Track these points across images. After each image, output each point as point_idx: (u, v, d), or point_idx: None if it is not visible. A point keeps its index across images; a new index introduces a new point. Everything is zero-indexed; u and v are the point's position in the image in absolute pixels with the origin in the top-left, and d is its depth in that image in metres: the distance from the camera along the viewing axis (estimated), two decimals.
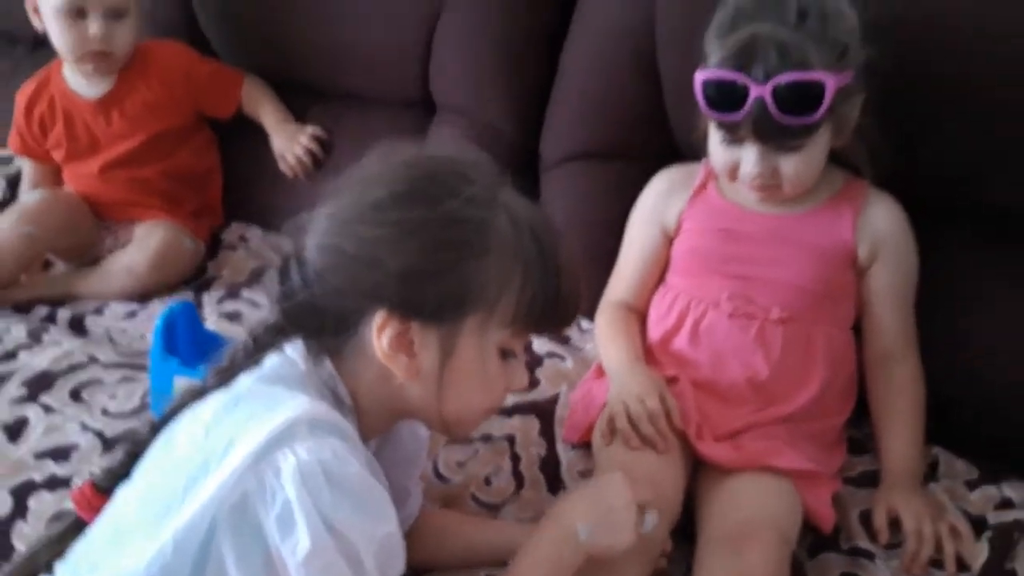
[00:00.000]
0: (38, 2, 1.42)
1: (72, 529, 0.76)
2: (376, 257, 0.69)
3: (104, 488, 0.75)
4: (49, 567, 0.74)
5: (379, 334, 0.70)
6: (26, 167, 1.57)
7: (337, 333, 0.73)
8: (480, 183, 0.71)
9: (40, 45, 1.81)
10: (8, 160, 1.75)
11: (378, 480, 0.69)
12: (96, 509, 0.74)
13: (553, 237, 0.74)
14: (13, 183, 1.68)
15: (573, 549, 0.77)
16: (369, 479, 0.67)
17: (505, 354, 0.75)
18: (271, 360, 0.73)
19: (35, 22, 1.45)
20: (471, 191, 0.70)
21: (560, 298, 0.74)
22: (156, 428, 0.75)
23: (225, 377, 0.74)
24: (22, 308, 1.39)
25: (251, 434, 0.65)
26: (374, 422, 0.76)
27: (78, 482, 0.99)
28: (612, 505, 0.79)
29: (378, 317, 0.69)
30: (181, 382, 1.04)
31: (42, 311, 1.39)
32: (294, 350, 0.73)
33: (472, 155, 0.75)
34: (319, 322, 0.72)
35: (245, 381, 0.72)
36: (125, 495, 0.73)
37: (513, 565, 0.78)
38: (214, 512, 0.64)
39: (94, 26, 1.38)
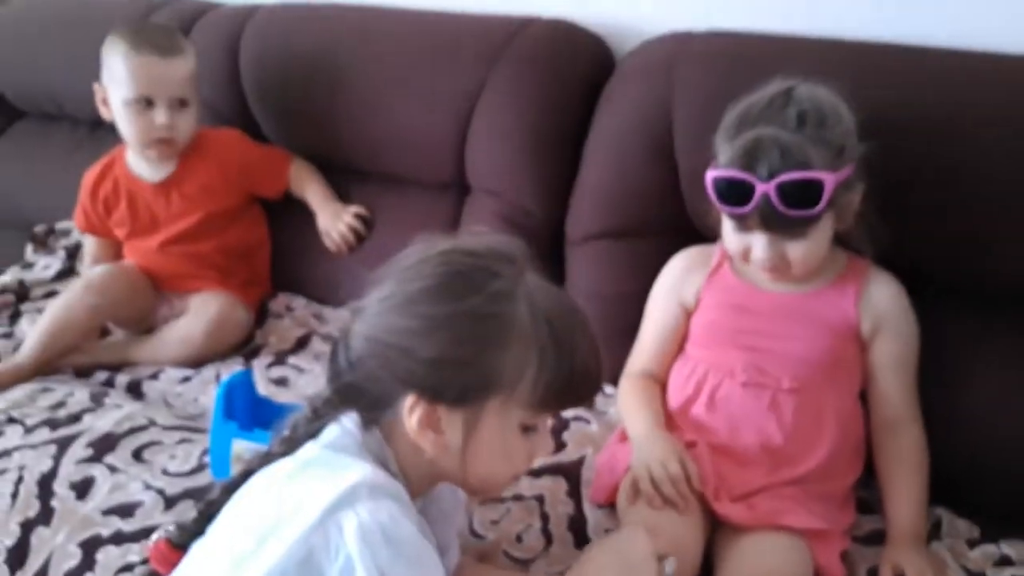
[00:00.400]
0: (108, 95, 1.53)
1: None
2: (408, 346, 0.76)
3: (179, 544, 0.83)
4: None
5: (409, 414, 0.77)
6: (88, 243, 1.68)
7: (379, 409, 0.80)
8: (505, 277, 0.77)
9: (98, 126, 1.96)
10: (67, 232, 1.88)
11: (427, 538, 0.76)
12: (172, 564, 0.82)
13: (570, 323, 0.80)
14: (72, 253, 1.81)
15: None
16: (421, 539, 0.74)
17: (527, 428, 0.81)
18: (332, 430, 0.81)
19: (103, 112, 1.56)
20: (495, 286, 0.76)
21: (574, 379, 0.80)
22: (228, 490, 0.82)
23: (291, 445, 0.82)
24: (82, 373, 1.48)
25: (319, 496, 0.73)
26: (416, 485, 0.82)
27: (145, 539, 1.06)
28: (634, 558, 0.85)
29: (408, 399, 0.77)
30: (239, 444, 1.14)
31: (101, 376, 1.47)
32: (350, 421, 0.81)
33: (501, 246, 0.81)
34: (363, 400, 0.80)
35: (312, 448, 0.80)
36: (201, 552, 0.80)
37: None
38: (284, 566, 0.71)
39: (161, 116, 1.49)
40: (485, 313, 0.76)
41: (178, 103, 1.51)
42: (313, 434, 0.82)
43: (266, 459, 0.83)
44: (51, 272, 1.75)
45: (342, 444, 0.80)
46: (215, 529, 0.81)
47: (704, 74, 1.26)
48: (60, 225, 1.90)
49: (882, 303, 1.10)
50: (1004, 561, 1.03)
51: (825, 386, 1.08)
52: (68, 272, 1.77)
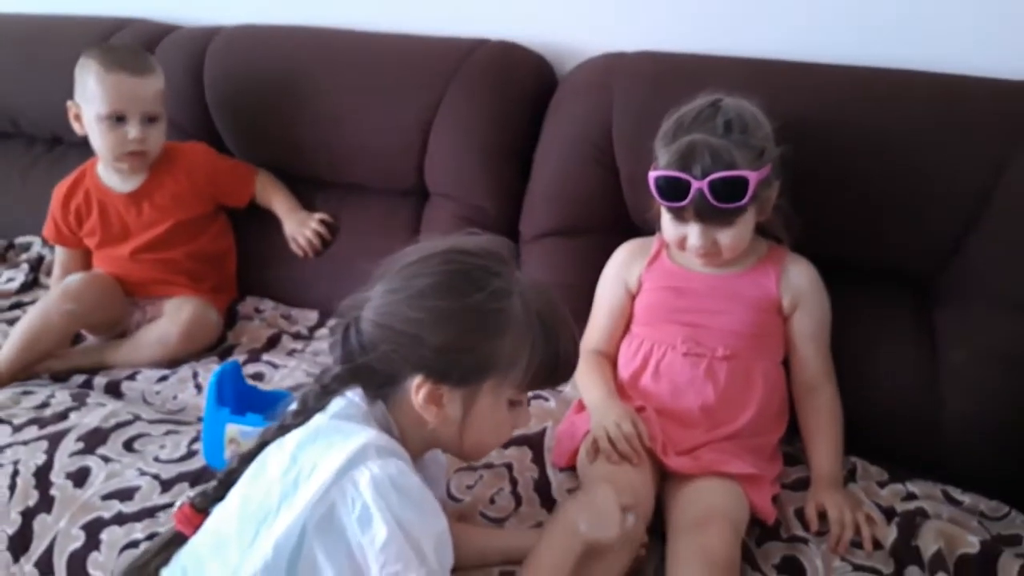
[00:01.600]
0: (81, 111, 1.59)
1: (174, 541, 0.92)
2: (418, 335, 0.86)
3: (201, 508, 0.91)
4: (156, 571, 0.90)
5: (416, 392, 0.87)
6: (58, 253, 1.73)
7: (387, 386, 0.90)
8: (502, 275, 0.88)
9: (55, 143, 2.01)
10: (27, 246, 1.92)
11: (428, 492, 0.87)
12: (195, 525, 0.90)
13: (555, 316, 0.90)
14: (35, 266, 1.84)
15: (574, 540, 0.96)
16: (425, 489, 0.85)
17: (513, 403, 0.93)
18: (339, 402, 0.90)
19: (76, 128, 1.61)
20: (495, 284, 0.86)
21: (559, 363, 0.91)
22: (245, 460, 0.91)
23: (303, 417, 0.90)
24: (58, 378, 1.51)
25: (332, 457, 0.83)
26: (413, 450, 0.92)
27: (148, 518, 1.14)
28: (603, 507, 0.98)
29: (416, 379, 0.87)
30: (231, 428, 1.22)
31: (79, 379, 1.51)
32: (355, 395, 0.91)
33: (494, 246, 0.91)
34: (373, 378, 0.90)
35: (321, 419, 0.89)
36: (223, 512, 0.89)
37: (531, 554, 0.96)
38: (305, 519, 0.81)
39: (133, 130, 1.56)
40: (487, 308, 0.86)
41: (148, 117, 1.58)
42: (322, 407, 0.91)
43: (280, 431, 0.91)
44: (15, 284, 1.80)
45: (349, 414, 0.89)
46: (234, 494, 0.89)
47: (637, 89, 1.40)
48: (20, 240, 1.95)
49: (799, 282, 1.25)
50: (910, 496, 1.17)
51: (753, 354, 1.22)
52: (32, 284, 1.82)
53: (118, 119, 1.56)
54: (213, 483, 0.92)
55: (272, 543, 0.81)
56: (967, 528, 1.10)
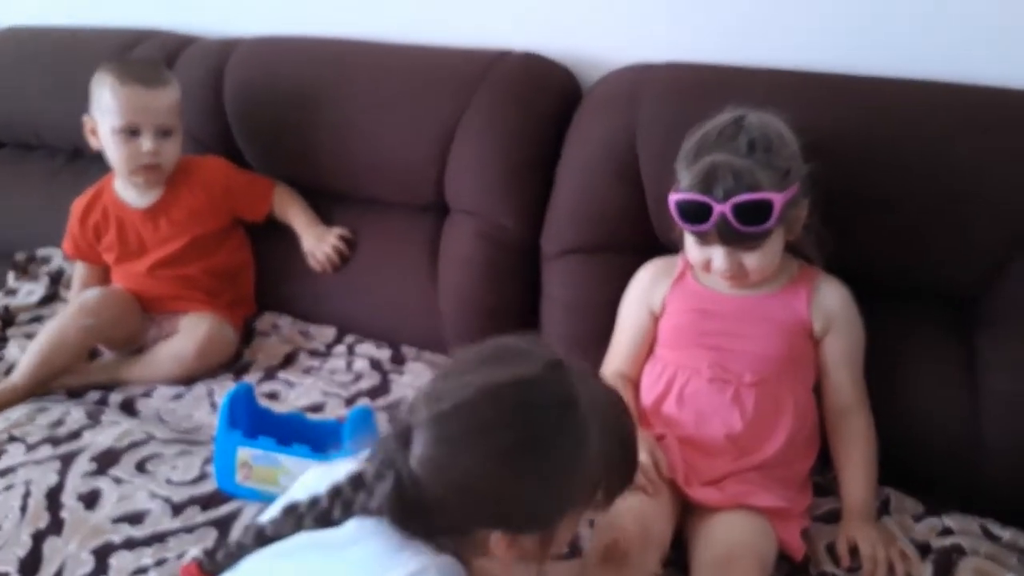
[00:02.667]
0: (96, 125, 1.59)
1: None
2: (496, 495, 0.76)
3: (208, 570, 0.86)
4: None
5: (495, 546, 0.79)
6: (77, 268, 1.73)
7: (445, 535, 0.79)
8: (577, 408, 0.77)
9: (76, 156, 2.02)
10: (48, 259, 1.93)
11: None
12: None
13: (628, 427, 0.84)
14: (55, 279, 1.85)
15: None
16: None
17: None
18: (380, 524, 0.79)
19: (92, 142, 1.61)
20: (572, 424, 0.77)
21: (631, 473, 0.86)
22: (259, 540, 0.83)
23: (332, 525, 0.80)
24: (74, 393, 1.52)
25: (384, 566, 0.75)
26: None
27: (158, 543, 1.12)
28: None
29: (494, 537, 0.78)
30: (243, 452, 1.20)
31: (94, 395, 1.51)
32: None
33: (557, 363, 0.80)
34: (431, 530, 0.78)
35: (366, 521, 0.79)
36: None
37: None
38: None
39: (147, 143, 1.55)
40: (568, 454, 0.77)
41: (163, 131, 1.57)
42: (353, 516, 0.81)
43: (296, 527, 0.82)
44: (35, 298, 1.80)
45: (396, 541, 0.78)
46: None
47: (664, 102, 1.36)
48: (41, 252, 1.95)
49: (831, 304, 1.21)
50: (946, 531, 1.13)
51: (782, 380, 1.18)
52: (52, 297, 1.82)
53: (132, 132, 1.56)
54: (223, 551, 0.86)
55: None
56: (1006, 566, 1.06)
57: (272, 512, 0.86)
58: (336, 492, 0.81)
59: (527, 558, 0.82)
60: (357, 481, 0.81)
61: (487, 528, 0.79)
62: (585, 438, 0.78)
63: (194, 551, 1.11)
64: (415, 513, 0.77)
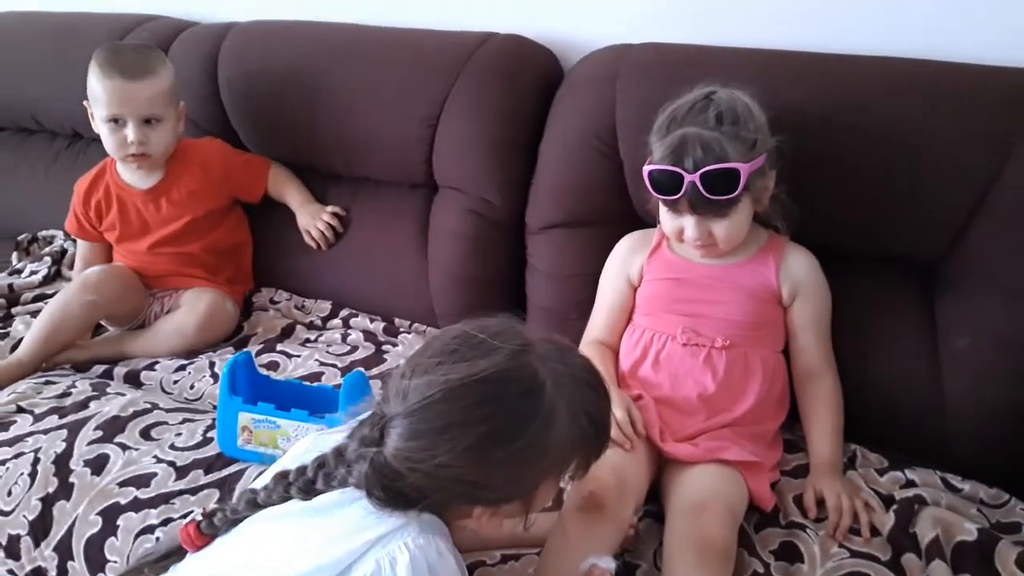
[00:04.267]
0: (91, 112, 1.63)
1: (174, 553, 0.93)
2: (471, 482, 0.80)
3: (206, 533, 0.90)
4: None
5: (476, 519, 0.84)
6: (80, 246, 1.77)
7: (429, 510, 0.82)
8: (544, 389, 0.80)
9: (76, 139, 2.06)
10: (50, 239, 1.97)
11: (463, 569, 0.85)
12: (197, 547, 0.90)
13: (598, 402, 0.85)
14: (57, 259, 1.89)
15: None
16: (462, 572, 0.83)
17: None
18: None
19: (93, 126, 1.64)
20: (541, 408, 0.79)
21: (604, 441, 0.88)
22: (253, 506, 0.87)
23: (311, 495, 0.84)
24: (80, 368, 1.56)
25: (371, 526, 0.79)
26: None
27: (164, 504, 1.18)
28: None
29: (475, 512, 0.83)
30: (244, 416, 1.25)
31: (99, 369, 1.55)
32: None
33: (522, 350, 0.81)
34: (414, 505, 0.81)
35: (353, 491, 0.82)
36: (228, 551, 0.88)
37: None
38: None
39: (131, 133, 1.57)
40: (536, 442, 0.80)
41: (147, 121, 1.59)
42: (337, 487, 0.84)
43: (284, 496, 0.86)
44: (38, 277, 1.84)
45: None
46: (245, 543, 0.87)
47: (641, 81, 1.41)
48: (43, 233, 2.00)
49: (798, 272, 1.26)
50: (909, 484, 1.19)
51: (752, 343, 1.24)
52: (55, 276, 1.87)
53: (117, 122, 1.58)
54: (220, 514, 0.90)
55: None
56: (965, 516, 1.11)
57: (264, 479, 0.90)
58: (321, 464, 0.85)
59: (509, 521, 0.88)
60: (339, 456, 0.84)
61: (466, 506, 0.83)
62: (553, 420, 0.80)
63: (198, 512, 1.15)
64: (393, 494, 0.80)
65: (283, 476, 0.87)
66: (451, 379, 0.79)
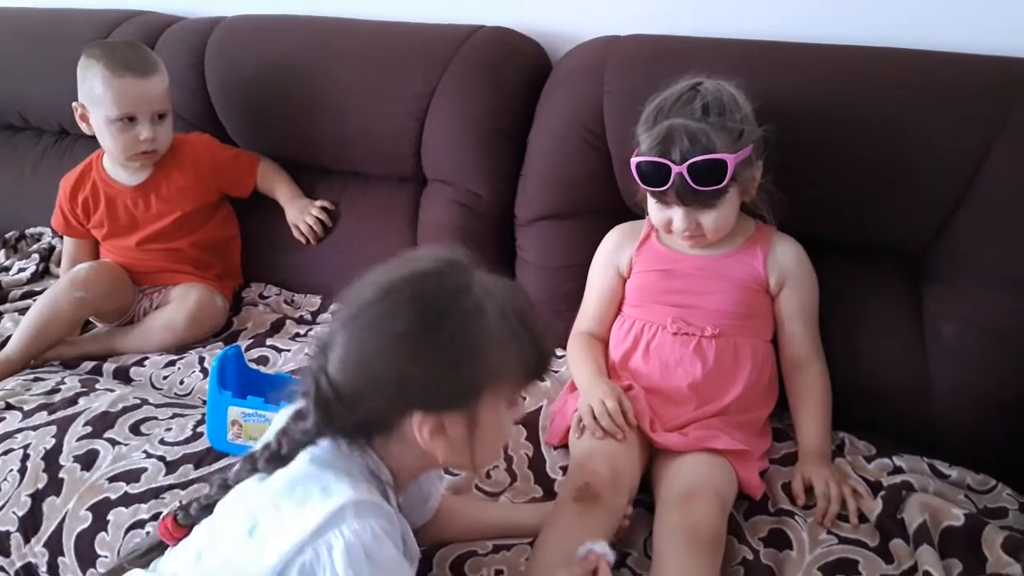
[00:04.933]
0: (88, 112, 1.61)
1: (155, 548, 0.94)
2: (404, 378, 0.82)
3: (183, 524, 0.92)
4: None
5: (419, 431, 0.84)
6: (66, 244, 1.76)
7: (379, 432, 0.86)
8: (470, 290, 0.83)
9: (63, 136, 2.05)
10: (38, 237, 1.97)
11: (407, 545, 0.87)
12: (176, 538, 0.91)
13: (528, 311, 0.87)
14: (45, 256, 1.89)
15: None
16: (399, 559, 0.83)
17: (511, 402, 0.91)
18: (324, 443, 0.86)
19: (83, 128, 1.63)
20: (466, 303, 0.82)
21: (543, 354, 0.90)
22: (223, 487, 0.90)
23: (275, 464, 0.87)
24: (69, 364, 1.56)
25: (309, 514, 0.81)
26: (407, 478, 0.93)
27: (153, 499, 1.17)
28: None
29: (415, 419, 0.83)
30: (233, 410, 1.25)
31: (88, 365, 1.55)
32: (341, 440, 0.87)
33: (451, 258, 0.86)
34: (363, 429, 0.86)
35: (300, 463, 0.86)
36: (204, 539, 0.88)
37: None
38: (280, 571, 0.79)
39: (144, 131, 1.57)
40: (464, 331, 0.82)
41: (158, 116, 1.60)
42: (296, 453, 0.87)
43: (252, 471, 0.89)
44: (26, 274, 1.84)
45: (329, 461, 0.85)
46: (214, 526, 0.89)
47: (628, 73, 1.42)
48: (31, 230, 2.00)
49: (785, 261, 1.27)
50: (897, 470, 1.19)
51: (741, 332, 1.25)
52: (43, 274, 1.86)
53: (129, 120, 1.58)
54: (195, 503, 0.92)
55: None
56: (953, 501, 1.12)
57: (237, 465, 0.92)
58: (283, 431, 0.88)
59: (457, 448, 0.86)
60: (298, 415, 0.87)
61: (406, 411, 0.84)
62: (481, 318, 0.83)
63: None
64: (339, 415, 0.83)
65: (251, 456, 0.89)
66: (383, 280, 0.84)
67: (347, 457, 0.86)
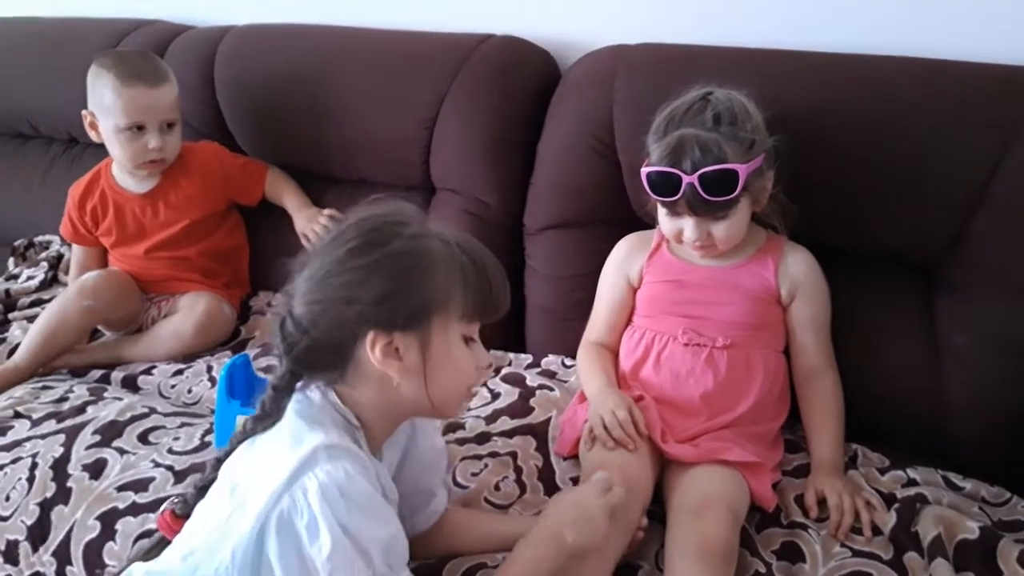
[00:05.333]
0: (97, 121, 1.61)
1: (160, 544, 0.95)
2: (353, 295, 0.85)
3: (182, 514, 0.93)
4: None
5: (371, 349, 0.87)
6: (75, 251, 1.77)
7: (338, 363, 0.89)
8: (413, 223, 0.89)
9: (71, 144, 2.06)
10: (47, 244, 1.97)
11: (384, 487, 0.89)
12: (176, 531, 0.92)
13: (476, 246, 0.91)
14: (53, 264, 1.89)
15: (558, 548, 0.95)
16: (374, 493, 0.84)
17: (467, 340, 0.93)
18: (296, 398, 0.91)
19: (92, 136, 1.64)
20: (409, 230, 0.88)
21: (493, 289, 0.92)
22: (217, 466, 0.93)
23: (264, 423, 0.91)
24: (77, 372, 1.56)
25: (283, 462, 0.84)
26: (379, 430, 0.94)
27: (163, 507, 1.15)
28: (587, 512, 0.97)
29: (368, 337, 0.86)
30: (241, 419, 1.25)
31: (96, 373, 1.55)
32: (309, 390, 0.91)
33: (404, 205, 0.92)
34: (322, 359, 0.88)
35: (283, 423, 0.90)
36: (197, 517, 0.91)
37: (511, 559, 0.96)
38: (261, 524, 0.82)
39: (153, 140, 1.58)
40: (407, 250, 0.87)
41: (167, 125, 1.60)
42: (281, 409, 0.91)
43: (244, 436, 0.92)
44: (35, 282, 1.84)
45: (300, 413, 0.89)
46: (205, 501, 0.92)
47: (638, 81, 1.41)
48: (39, 238, 2.00)
49: (797, 271, 1.26)
50: (911, 483, 1.18)
51: (752, 343, 1.24)
52: (51, 281, 1.86)
53: (138, 129, 1.58)
54: (191, 490, 0.94)
55: (230, 550, 0.84)
56: (967, 514, 1.10)
57: None
58: (264, 391, 0.92)
59: (411, 372, 0.89)
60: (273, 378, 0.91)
61: (359, 333, 0.87)
62: (425, 241, 0.88)
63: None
64: (296, 341, 0.87)
65: (243, 425, 0.93)
66: (340, 226, 0.90)
67: (319, 408, 0.90)
